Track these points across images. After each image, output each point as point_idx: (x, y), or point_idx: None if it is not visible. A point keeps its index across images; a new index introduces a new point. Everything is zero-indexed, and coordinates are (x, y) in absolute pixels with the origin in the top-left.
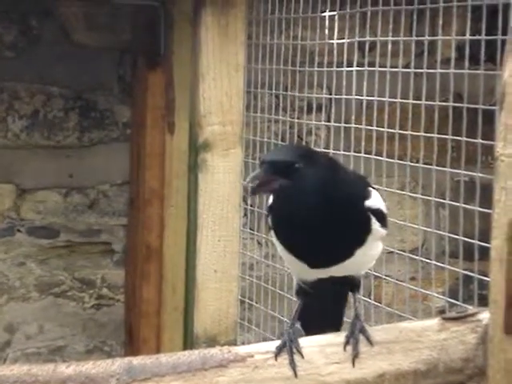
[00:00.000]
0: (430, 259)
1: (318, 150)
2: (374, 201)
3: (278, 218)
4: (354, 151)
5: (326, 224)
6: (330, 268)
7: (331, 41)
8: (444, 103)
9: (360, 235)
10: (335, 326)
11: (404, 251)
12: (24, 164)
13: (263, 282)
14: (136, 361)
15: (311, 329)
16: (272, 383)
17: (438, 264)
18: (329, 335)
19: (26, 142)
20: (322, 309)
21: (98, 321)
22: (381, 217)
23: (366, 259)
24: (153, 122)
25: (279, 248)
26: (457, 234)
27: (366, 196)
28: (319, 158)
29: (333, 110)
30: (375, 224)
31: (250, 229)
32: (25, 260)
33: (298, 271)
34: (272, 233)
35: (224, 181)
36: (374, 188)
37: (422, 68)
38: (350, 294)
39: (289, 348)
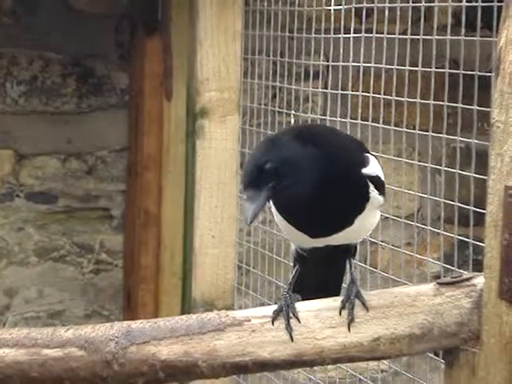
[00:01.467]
0: (426, 225)
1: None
2: (372, 168)
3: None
4: (351, 118)
5: (325, 194)
6: (329, 237)
7: (328, 7)
8: (440, 70)
9: (359, 203)
10: (332, 292)
11: (400, 217)
12: (22, 130)
13: (260, 247)
14: (134, 325)
15: (307, 294)
16: (269, 347)
17: (434, 230)
18: (325, 300)
19: (24, 108)
20: (319, 274)
21: (97, 285)
22: (378, 184)
23: (364, 227)
24: (150, 88)
25: (276, 217)
26: (452, 200)
27: (364, 163)
28: (312, 131)
29: (330, 77)
30: (373, 192)
31: None
32: (24, 225)
33: (296, 240)
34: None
35: (221, 147)
36: (371, 154)
37: (418, 34)
38: (346, 259)
39: (285, 312)
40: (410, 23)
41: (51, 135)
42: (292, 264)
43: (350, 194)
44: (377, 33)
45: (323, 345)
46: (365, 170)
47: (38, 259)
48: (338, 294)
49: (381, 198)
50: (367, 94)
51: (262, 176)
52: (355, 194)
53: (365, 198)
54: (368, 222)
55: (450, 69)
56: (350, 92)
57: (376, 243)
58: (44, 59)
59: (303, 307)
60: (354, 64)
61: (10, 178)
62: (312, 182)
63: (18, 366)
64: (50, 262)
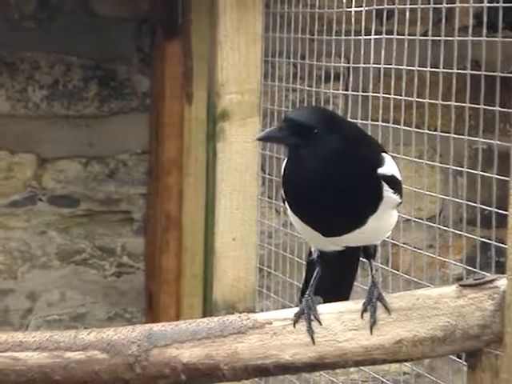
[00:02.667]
0: (448, 227)
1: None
2: (388, 168)
3: (290, 184)
4: (372, 120)
5: (337, 191)
6: (343, 236)
7: (349, 9)
8: (462, 71)
9: (371, 203)
10: (344, 295)
11: (422, 219)
12: (44, 134)
13: (281, 249)
14: (156, 327)
15: (322, 297)
16: (290, 349)
17: (456, 231)
18: (346, 303)
19: (46, 112)
20: (335, 277)
21: (119, 288)
22: (394, 184)
23: (380, 227)
24: (171, 91)
25: (292, 218)
26: (474, 202)
27: (380, 163)
28: (341, 124)
29: (350, 79)
30: (387, 192)
31: (268, 197)
32: (46, 229)
33: (312, 240)
34: (286, 203)
35: (242, 150)
36: (388, 154)
37: (439, 36)
38: (367, 261)
39: (307, 315)
40: (431, 24)
41: (73, 139)
42: (306, 267)
43: (363, 193)
44: (398, 34)
45: (345, 347)
46: (380, 170)
47: (60, 262)
48: (348, 297)
49: (396, 197)
50: (388, 96)
51: (303, 130)
52: (368, 193)
53: (378, 197)
54: (384, 222)
55: (471, 70)
56: (371, 94)
57: (398, 245)
58: (65, 63)
59: (324, 310)
60: (374, 66)
61: (33, 182)
62: (326, 169)
63: (40, 369)
64: (72, 266)
